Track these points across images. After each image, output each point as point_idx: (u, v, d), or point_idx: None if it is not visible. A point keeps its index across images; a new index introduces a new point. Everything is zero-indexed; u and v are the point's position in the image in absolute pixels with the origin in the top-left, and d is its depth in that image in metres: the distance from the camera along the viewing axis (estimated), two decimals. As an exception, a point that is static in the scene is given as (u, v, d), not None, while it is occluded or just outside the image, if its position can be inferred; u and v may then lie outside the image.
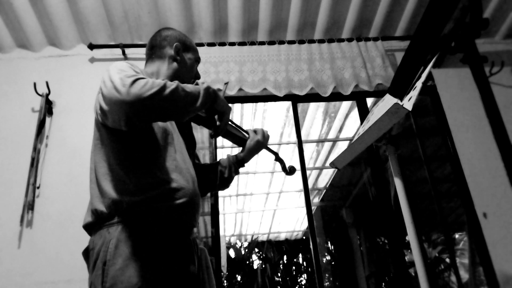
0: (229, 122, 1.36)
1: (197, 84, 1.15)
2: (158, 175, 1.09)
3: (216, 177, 1.43)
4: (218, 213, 2.40)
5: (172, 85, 1.02)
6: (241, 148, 1.46)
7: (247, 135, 1.43)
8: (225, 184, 1.46)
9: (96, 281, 0.97)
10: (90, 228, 1.09)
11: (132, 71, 1.06)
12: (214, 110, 1.16)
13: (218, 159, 1.49)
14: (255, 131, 1.45)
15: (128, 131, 1.06)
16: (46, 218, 2.23)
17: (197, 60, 1.43)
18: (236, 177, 1.53)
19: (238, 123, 1.47)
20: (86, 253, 1.07)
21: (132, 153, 1.09)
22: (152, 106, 0.98)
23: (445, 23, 1.06)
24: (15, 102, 2.53)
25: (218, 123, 1.18)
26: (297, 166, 2.53)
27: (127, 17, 2.62)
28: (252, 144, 1.43)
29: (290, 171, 1.49)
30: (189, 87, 1.07)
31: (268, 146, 1.49)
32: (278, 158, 1.52)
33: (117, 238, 1.00)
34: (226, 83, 1.44)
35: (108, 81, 1.02)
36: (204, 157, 2.67)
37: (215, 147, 2.61)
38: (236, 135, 1.39)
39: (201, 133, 2.68)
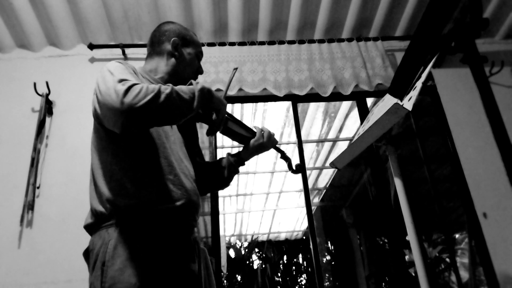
0: (232, 119, 1.33)
1: (191, 84, 1.14)
2: (156, 175, 1.08)
3: (217, 176, 1.40)
4: (218, 213, 2.39)
5: (166, 89, 1.00)
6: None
7: (249, 134, 1.37)
8: (225, 183, 1.42)
9: (96, 282, 0.98)
10: (90, 228, 1.09)
11: (125, 73, 1.06)
12: (210, 108, 1.15)
13: (218, 158, 1.47)
14: (262, 132, 1.38)
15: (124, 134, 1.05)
16: (46, 218, 2.23)
17: (198, 54, 1.38)
18: (236, 177, 1.51)
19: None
20: (86, 254, 1.08)
21: (129, 154, 1.09)
22: (147, 114, 0.97)
23: (445, 23, 1.06)
24: (15, 102, 2.53)
25: (214, 118, 1.17)
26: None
27: (127, 17, 2.62)
28: (256, 145, 1.37)
29: (296, 169, 1.44)
30: (183, 90, 1.04)
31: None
32: (284, 156, 1.47)
33: (116, 238, 1.00)
34: (235, 69, 1.38)
35: (102, 85, 1.01)
36: (204, 157, 2.66)
37: (215, 147, 2.61)
38: (238, 133, 1.34)
39: (200, 133, 2.67)
